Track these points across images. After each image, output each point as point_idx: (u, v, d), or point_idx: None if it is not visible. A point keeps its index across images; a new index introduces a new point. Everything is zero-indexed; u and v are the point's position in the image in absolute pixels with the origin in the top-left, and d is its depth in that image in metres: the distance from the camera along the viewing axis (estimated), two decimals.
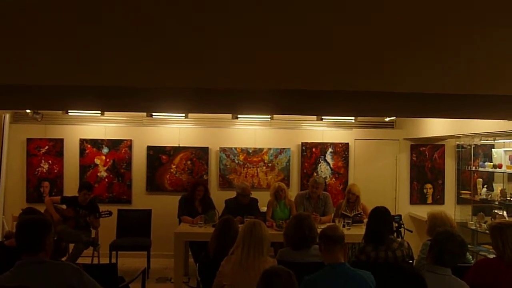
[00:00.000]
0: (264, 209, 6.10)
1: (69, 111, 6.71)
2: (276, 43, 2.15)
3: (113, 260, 5.84)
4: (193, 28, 2.13)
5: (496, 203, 5.65)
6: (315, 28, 2.14)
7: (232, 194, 6.23)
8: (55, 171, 6.89)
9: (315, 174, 6.93)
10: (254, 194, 6.17)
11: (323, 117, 6.98)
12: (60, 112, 6.76)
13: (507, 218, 5.24)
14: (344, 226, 5.32)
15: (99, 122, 6.94)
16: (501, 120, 4.54)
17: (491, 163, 5.89)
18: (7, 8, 2.11)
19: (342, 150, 7.13)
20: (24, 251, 2.45)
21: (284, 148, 7.06)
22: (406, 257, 3.65)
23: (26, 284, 2.31)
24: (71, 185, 6.76)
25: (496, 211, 5.66)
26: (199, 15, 2.12)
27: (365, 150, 7.20)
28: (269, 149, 7.04)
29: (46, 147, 6.88)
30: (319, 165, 7.11)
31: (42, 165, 6.88)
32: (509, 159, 5.72)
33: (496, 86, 2.21)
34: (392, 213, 4.02)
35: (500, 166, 5.69)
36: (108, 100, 3.24)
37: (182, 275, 5.52)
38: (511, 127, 4.54)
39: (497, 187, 5.80)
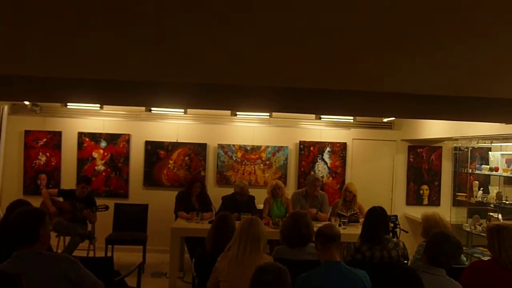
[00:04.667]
0: (260, 206, 6.11)
1: (68, 104, 6.72)
2: (275, 40, 2.16)
3: (109, 254, 5.85)
4: (193, 24, 2.13)
5: (492, 206, 5.68)
6: (315, 26, 2.16)
7: (229, 191, 6.25)
8: (53, 163, 6.89)
9: (313, 173, 6.96)
10: (251, 191, 6.18)
11: (322, 116, 7.00)
12: (59, 104, 6.77)
13: (502, 221, 5.26)
14: (340, 225, 5.34)
15: (98, 115, 6.94)
16: (498, 124, 4.56)
17: (488, 166, 5.91)
18: (9, 1, 2.11)
19: (339, 150, 7.15)
20: (19, 243, 2.44)
21: (282, 146, 7.07)
22: (401, 257, 3.67)
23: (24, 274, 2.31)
24: (68, 178, 6.78)
25: (491, 213, 5.69)
26: (200, 11, 2.13)
27: (362, 150, 7.22)
28: (267, 147, 7.05)
29: (44, 139, 6.87)
30: (317, 164, 7.12)
31: (39, 157, 6.87)
32: (506, 163, 5.74)
33: (491, 89, 2.23)
34: (388, 213, 4.04)
35: (496, 169, 5.71)
36: (107, 93, 3.24)
37: (178, 270, 5.53)
38: (508, 131, 4.56)
39: (493, 190, 5.83)
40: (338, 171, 7.15)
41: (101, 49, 2.15)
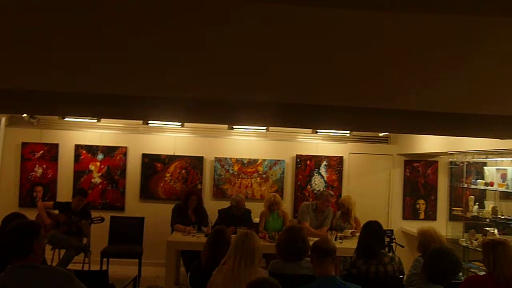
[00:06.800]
0: (257, 220, 6.10)
1: (65, 116, 6.72)
2: (275, 56, 2.18)
3: (104, 267, 5.81)
4: (192, 39, 2.16)
5: (487, 220, 5.69)
6: (312, 44, 2.18)
7: (225, 204, 6.24)
8: (49, 176, 6.87)
9: (309, 187, 6.98)
10: (247, 205, 6.18)
11: (318, 130, 7.03)
12: (56, 117, 6.77)
13: (497, 236, 5.27)
14: (336, 239, 5.33)
15: (95, 128, 6.95)
16: (493, 139, 4.60)
17: (483, 181, 5.94)
18: (4, 14, 2.14)
19: (336, 164, 7.16)
20: (13, 256, 2.43)
21: (278, 160, 7.09)
22: (396, 272, 3.67)
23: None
24: (64, 191, 6.75)
25: (487, 228, 5.70)
26: (199, 26, 2.16)
27: (359, 164, 7.24)
28: (264, 160, 7.07)
29: (41, 151, 6.87)
30: (313, 177, 7.13)
31: (36, 169, 6.86)
32: (501, 177, 5.76)
33: (483, 107, 2.27)
34: (385, 227, 4.04)
35: (492, 184, 5.74)
36: (105, 107, 3.26)
37: (173, 284, 5.50)
38: (503, 146, 4.60)
39: (489, 205, 5.84)
40: (335, 185, 7.16)
41: (99, 64, 2.17)
